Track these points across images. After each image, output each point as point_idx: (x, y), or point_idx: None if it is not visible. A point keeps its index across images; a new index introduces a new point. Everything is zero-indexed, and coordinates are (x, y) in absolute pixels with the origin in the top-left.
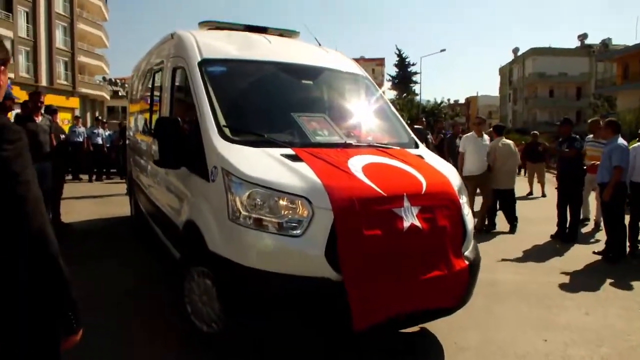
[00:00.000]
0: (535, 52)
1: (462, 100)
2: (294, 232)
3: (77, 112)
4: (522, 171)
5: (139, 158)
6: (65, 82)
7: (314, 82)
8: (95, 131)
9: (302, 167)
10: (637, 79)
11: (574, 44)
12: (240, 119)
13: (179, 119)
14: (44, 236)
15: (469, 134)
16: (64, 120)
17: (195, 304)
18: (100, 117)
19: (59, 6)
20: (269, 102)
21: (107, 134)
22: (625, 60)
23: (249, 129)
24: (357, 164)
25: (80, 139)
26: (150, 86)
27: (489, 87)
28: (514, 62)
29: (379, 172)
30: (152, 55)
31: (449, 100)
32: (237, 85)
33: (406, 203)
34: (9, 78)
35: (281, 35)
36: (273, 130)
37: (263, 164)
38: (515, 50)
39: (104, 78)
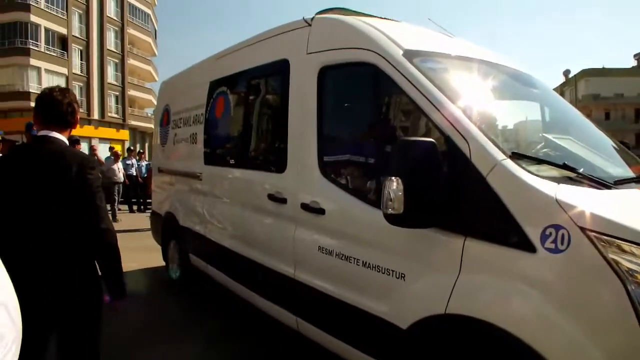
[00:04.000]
0: (587, 73)
1: None
2: None
3: (127, 144)
4: None
5: (212, 197)
6: (115, 115)
7: (537, 90)
8: (129, 162)
9: None
10: None
11: (630, 63)
12: (509, 141)
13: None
14: (111, 229)
15: None
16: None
17: None
18: (132, 148)
19: (110, 44)
20: (520, 117)
21: (144, 164)
22: None
23: (537, 157)
24: None
25: (134, 172)
26: (243, 97)
27: None
28: (565, 84)
29: None
30: (237, 56)
31: None
32: (470, 90)
33: None
34: None
35: None
36: (553, 158)
37: None
38: (567, 73)
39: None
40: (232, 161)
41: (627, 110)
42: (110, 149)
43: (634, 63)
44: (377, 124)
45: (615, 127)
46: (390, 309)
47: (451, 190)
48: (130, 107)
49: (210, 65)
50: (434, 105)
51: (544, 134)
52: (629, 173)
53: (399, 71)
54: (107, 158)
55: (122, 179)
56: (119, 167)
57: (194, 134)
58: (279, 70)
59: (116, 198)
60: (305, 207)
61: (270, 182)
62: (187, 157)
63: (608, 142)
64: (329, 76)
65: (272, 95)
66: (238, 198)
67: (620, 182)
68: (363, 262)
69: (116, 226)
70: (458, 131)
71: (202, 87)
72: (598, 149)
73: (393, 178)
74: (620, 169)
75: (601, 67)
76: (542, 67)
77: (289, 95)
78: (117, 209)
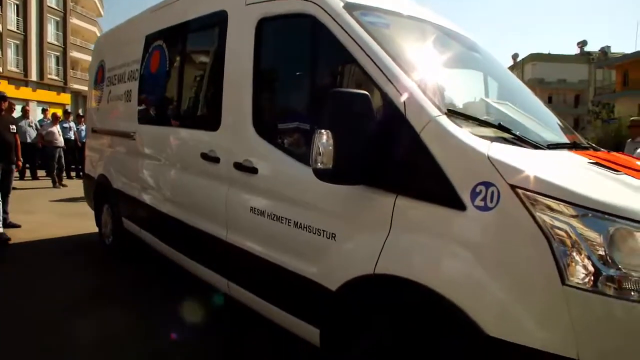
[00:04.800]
0: (534, 57)
1: None
2: None
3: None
4: None
5: (145, 159)
6: (56, 78)
7: (480, 56)
8: (66, 125)
9: (637, 182)
10: (637, 86)
11: (574, 50)
12: (445, 100)
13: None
14: None
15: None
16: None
17: None
18: (69, 110)
19: (51, 0)
20: (460, 79)
21: (83, 127)
22: (625, 67)
23: (473, 117)
24: None
25: (71, 136)
26: (179, 52)
27: None
28: (513, 67)
29: None
30: (175, 7)
31: None
32: (411, 47)
33: None
34: None
35: None
36: (489, 119)
37: (589, 177)
38: (515, 56)
39: None
40: (166, 120)
41: (568, 95)
42: (43, 110)
43: (577, 51)
44: (313, 79)
45: (557, 111)
46: (320, 270)
47: (383, 146)
48: (73, 69)
49: (147, 17)
50: (371, 59)
51: (482, 98)
52: (564, 140)
53: (338, 23)
54: (40, 120)
55: (62, 143)
56: (58, 130)
57: (129, 91)
58: (217, 22)
59: (55, 164)
60: (238, 166)
61: (204, 141)
62: (121, 116)
63: (546, 111)
64: (267, 29)
65: (208, 49)
66: (171, 158)
67: (553, 147)
68: (294, 222)
69: (57, 192)
70: (394, 85)
71: (138, 41)
72: (535, 116)
73: (323, 131)
74: (555, 136)
75: (547, 52)
76: (491, 48)
77: (225, 49)
78: (61, 175)
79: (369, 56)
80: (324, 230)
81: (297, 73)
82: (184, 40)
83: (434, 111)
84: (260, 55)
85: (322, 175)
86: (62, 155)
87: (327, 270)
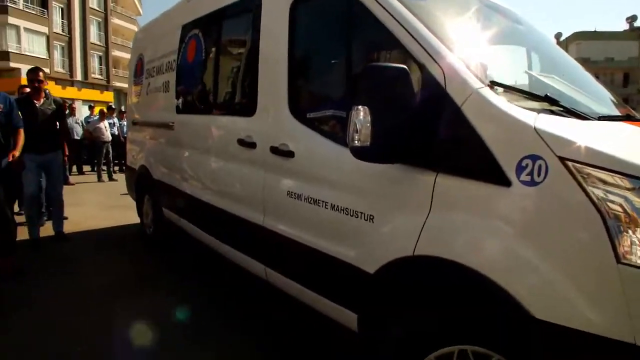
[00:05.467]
0: (579, 36)
1: None
2: None
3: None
4: None
5: (183, 148)
6: (99, 77)
7: (524, 28)
8: (110, 121)
9: None
10: None
11: (622, 27)
12: (487, 72)
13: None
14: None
15: None
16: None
17: None
18: (113, 106)
19: (93, 2)
20: (503, 52)
21: (125, 123)
22: None
23: (518, 88)
24: None
25: (115, 131)
26: (214, 39)
27: None
28: None
29: None
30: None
31: None
32: (450, 20)
33: None
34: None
35: None
36: (535, 91)
37: None
38: (558, 36)
39: None
40: (203, 108)
41: (616, 74)
42: (90, 107)
43: (625, 27)
44: (349, 58)
45: None
46: (359, 253)
47: (423, 122)
48: (115, 68)
49: (183, 7)
50: (409, 33)
51: (527, 71)
52: (616, 112)
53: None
54: (86, 117)
55: (109, 138)
56: (105, 125)
57: (167, 82)
58: (251, 7)
59: (103, 158)
60: (274, 150)
61: (240, 127)
62: (160, 106)
63: (595, 84)
64: (301, 9)
65: (243, 34)
66: (209, 146)
67: (604, 119)
68: (332, 205)
69: (103, 186)
70: (433, 59)
71: (175, 31)
72: (584, 90)
73: (360, 107)
74: (606, 109)
75: (593, 30)
76: None
77: (260, 34)
78: (111, 170)
79: (406, 30)
80: (362, 212)
81: (333, 53)
82: (219, 27)
83: (475, 83)
84: (294, 37)
85: (359, 153)
86: (110, 150)
87: (366, 253)
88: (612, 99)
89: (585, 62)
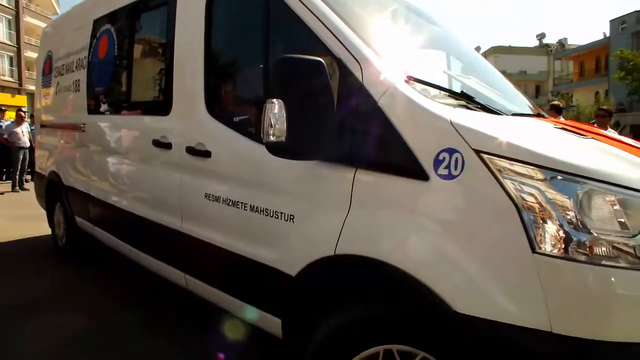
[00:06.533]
0: (496, 50)
1: None
2: None
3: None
4: None
5: (96, 151)
6: (10, 79)
7: (441, 29)
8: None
9: (604, 146)
10: (593, 76)
11: (533, 43)
12: (405, 68)
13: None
14: None
15: None
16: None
17: None
18: (4, 108)
19: None
20: (421, 50)
21: (31, 128)
22: (581, 58)
23: (434, 84)
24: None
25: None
26: (128, 34)
27: None
28: None
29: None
30: None
31: None
32: (369, 16)
33: None
34: None
35: None
36: (452, 88)
37: (557, 141)
38: (477, 49)
39: None
40: (116, 108)
41: (529, 86)
42: (1, 111)
43: (536, 43)
44: (267, 53)
45: None
46: (279, 255)
47: (340, 116)
48: (28, 70)
49: (95, 1)
50: (327, 28)
51: (445, 70)
52: (528, 111)
53: None
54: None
55: (27, 144)
56: (22, 130)
57: (77, 80)
58: (165, 1)
59: (19, 165)
60: (190, 150)
61: (155, 127)
62: (71, 107)
63: (508, 85)
64: (217, 5)
65: (158, 30)
66: (123, 148)
67: (517, 116)
68: (250, 206)
69: (13, 196)
70: (350, 53)
71: (86, 27)
72: (498, 90)
73: (275, 100)
74: (519, 108)
75: (508, 45)
76: None
77: (175, 29)
78: (22, 178)
79: (324, 24)
80: (281, 213)
81: (250, 49)
82: (133, 22)
83: (393, 78)
84: (211, 32)
85: (274, 149)
86: (27, 157)
87: (287, 255)
88: (524, 99)
89: (502, 74)
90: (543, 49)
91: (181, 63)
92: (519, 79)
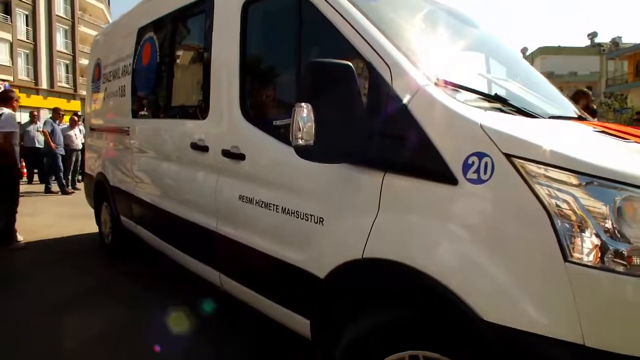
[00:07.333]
0: (543, 51)
1: None
2: None
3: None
4: None
5: (139, 153)
6: (66, 85)
7: (478, 31)
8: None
9: None
10: None
11: (584, 42)
12: (436, 71)
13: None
14: None
15: None
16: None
17: None
18: (61, 112)
19: (59, 9)
20: (454, 52)
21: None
22: (637, 57)
23: (465, 87)
24: None
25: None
26: (169, 42)
27: None
28: None
29: None
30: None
31: None
32: (400, 19)
33: None
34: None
35: None
36: (485, 90)
37: (594, 145)
38: (524, 50)
39: None
40: (157, 112)
41: (579, 87)
42: (31, 115)
43: (587, 42)
44: (299, 58)
45: None
46: (309, 257)
47: (369, 120)
48: (82, 76)
49: (140, 10)
50: (357, 31)
51: (479, 71)
52: (569, 114)
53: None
54: (45, 123)
55: (80, 146)
56: (75, 133)
57: (123, 86)
58: (204, 10)
59: (71, 167)
60: (226, 153)
61: (193, 130)
62: (117, 111)
63: (550, 87)
64: (252, 11)
65: (196, 37)
66: (163, 151)
67: (555, 118)
68: (282, 208)
69: (63, 196)
70: (379, 55)
71: (131, 35)
72: (538, 92)
73: (303, 104)
74: (559, 110)
75: (557, 45)
76: None
77: (212, 35)
78: (74, 179)
79: (354, 28)
80: (311, 215)
81: (283, 54)
82: (173, 29)
83: (422, 80)
84: (246, 38)
85: (303, 152)
86: (80, 159)
87: (316, 257)
88: (567, 102)
89: (549, 75)
90: (595, 48)
91: (218, 69)
92: (568, 81)
